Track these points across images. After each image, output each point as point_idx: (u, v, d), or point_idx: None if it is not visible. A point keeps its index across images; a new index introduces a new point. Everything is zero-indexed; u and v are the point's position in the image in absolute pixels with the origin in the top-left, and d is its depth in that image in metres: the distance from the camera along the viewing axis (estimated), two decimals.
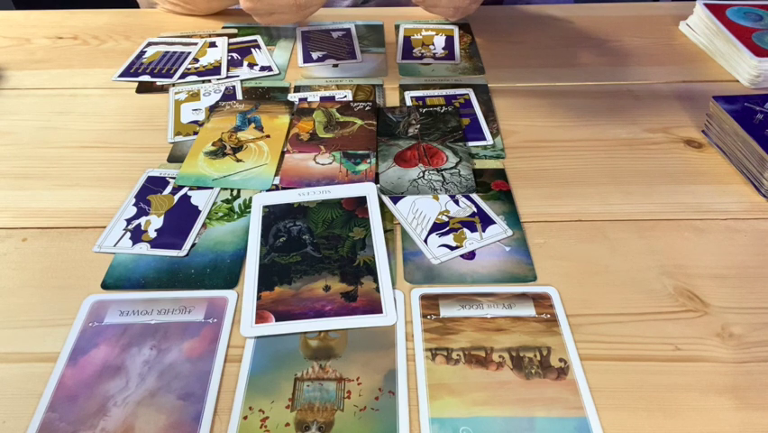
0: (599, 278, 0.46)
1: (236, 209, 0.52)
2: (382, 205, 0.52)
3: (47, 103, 0.67)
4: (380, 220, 0.50)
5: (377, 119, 0.62)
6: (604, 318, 0.43)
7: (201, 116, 0.64)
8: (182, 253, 0.48)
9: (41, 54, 0.77)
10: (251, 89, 0.69)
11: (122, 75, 0.72)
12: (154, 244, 0.49)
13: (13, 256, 0.48)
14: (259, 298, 0.44)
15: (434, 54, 0.76)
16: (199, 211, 0.52)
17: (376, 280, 0.45)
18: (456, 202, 0.52)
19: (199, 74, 0.72)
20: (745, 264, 0.47)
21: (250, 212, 0.52)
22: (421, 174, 0.55)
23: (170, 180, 0.55)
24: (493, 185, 0.55)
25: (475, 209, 0.52)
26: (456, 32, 0.81)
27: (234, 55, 0.76)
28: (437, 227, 0.50)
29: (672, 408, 0.37)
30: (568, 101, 0.67)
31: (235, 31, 0.81)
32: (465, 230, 0.50)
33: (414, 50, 0.77)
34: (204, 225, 0.51)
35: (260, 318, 0.43)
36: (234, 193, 0.54)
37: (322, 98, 0.67)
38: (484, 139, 0.60)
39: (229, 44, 0.78)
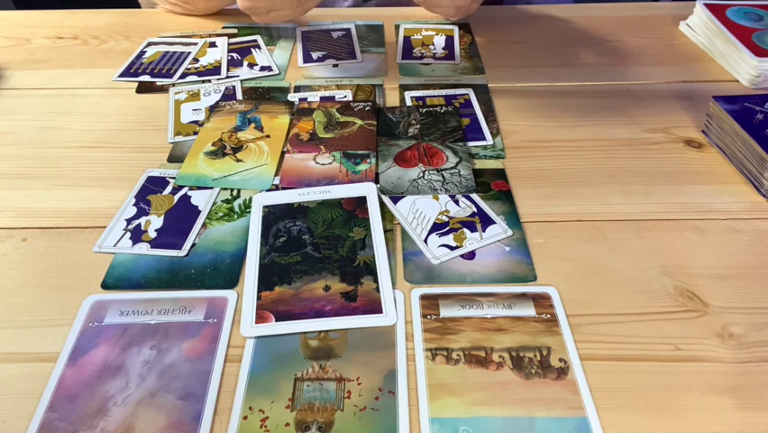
0: (599, 278, 0.46)
1: (236, 209, 0.52)
2: (382, 205, 0.52)
3: (47, 103, 0.67)
4: (380, 220, 0.50)
5: (377, 119, 0.62)
6: (604, 318, 0.43)
7: (201, 116, 0.64)
8: (182, 253, 0.48)
9: (41, 54, 0.77)
10: (251, 89, 0.69)
11: (122, 75, 0.72)
12: (154, 243, 0.49)
13: (13, 256, 0.48)
14: (259, 298, 0.44)
15: (434, 54, 0.76)
16: (199, 211, 0.52)
17: (376, 281, 0.45)
18: (456, 202, 0.52)
19: (199, 74, 0.72)
20: (745, 264, 0.47)
21: (250, 212, 0.52)
22: (421, 174, 0.55)
23: (170, 180, 0.55)
24: (493, 185, 0.55)
25: (475, 209, 0.52)
26: (456, 31, 0.81)
27: (234, 55, 0.76)
28: (437, 227, 0.50)
29: (672, 408, 0.37)
30: (568, 101, 0.67)
31: (235, 31, 0.81)
32: (465, 230, 0.50)
33: (414, 50, 0.77)
34: (204, 225, 0.51)
35: (260, 318, 0.43)
36: (234, 193, 0.54)
37: (322, 98, 0.67)
38: (484, 139, 0.60)
39: (229, 44, 0.78)
